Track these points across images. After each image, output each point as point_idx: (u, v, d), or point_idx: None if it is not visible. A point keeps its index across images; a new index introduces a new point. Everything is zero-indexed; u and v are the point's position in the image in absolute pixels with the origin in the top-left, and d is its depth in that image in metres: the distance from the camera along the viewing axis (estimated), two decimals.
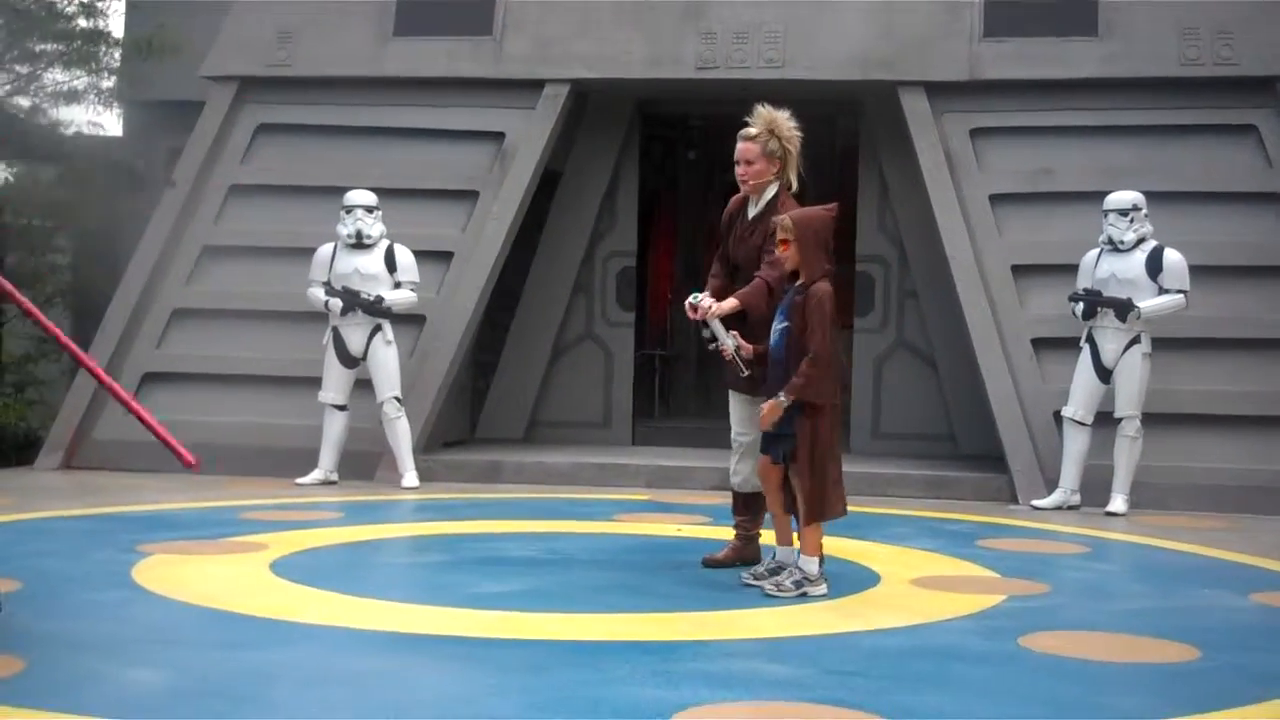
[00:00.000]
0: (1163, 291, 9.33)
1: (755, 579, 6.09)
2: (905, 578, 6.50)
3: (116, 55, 13.60)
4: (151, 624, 5.24)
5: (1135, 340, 9.31)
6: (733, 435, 6.59)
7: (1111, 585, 6.76)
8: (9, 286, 5.32)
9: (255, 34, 11.85)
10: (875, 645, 5.11)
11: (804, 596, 5.87)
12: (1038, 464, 9.91)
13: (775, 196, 6.45)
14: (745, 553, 6.62)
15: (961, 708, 4.22)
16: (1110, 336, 9.36)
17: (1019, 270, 10.57)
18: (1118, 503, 9.27)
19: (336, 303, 9.90)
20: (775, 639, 5.17)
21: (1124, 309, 9.27)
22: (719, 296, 6.38)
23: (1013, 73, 11.05)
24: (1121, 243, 9.40)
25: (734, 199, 6.70)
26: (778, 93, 11.71)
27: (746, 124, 6.49)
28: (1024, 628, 5.37)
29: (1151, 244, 9.45)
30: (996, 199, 10.86)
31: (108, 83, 13.59)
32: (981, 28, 11.15)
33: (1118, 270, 9.38)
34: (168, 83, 13.04)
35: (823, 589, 5.93)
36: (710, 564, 6.60)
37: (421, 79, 11.55)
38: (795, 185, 6.49)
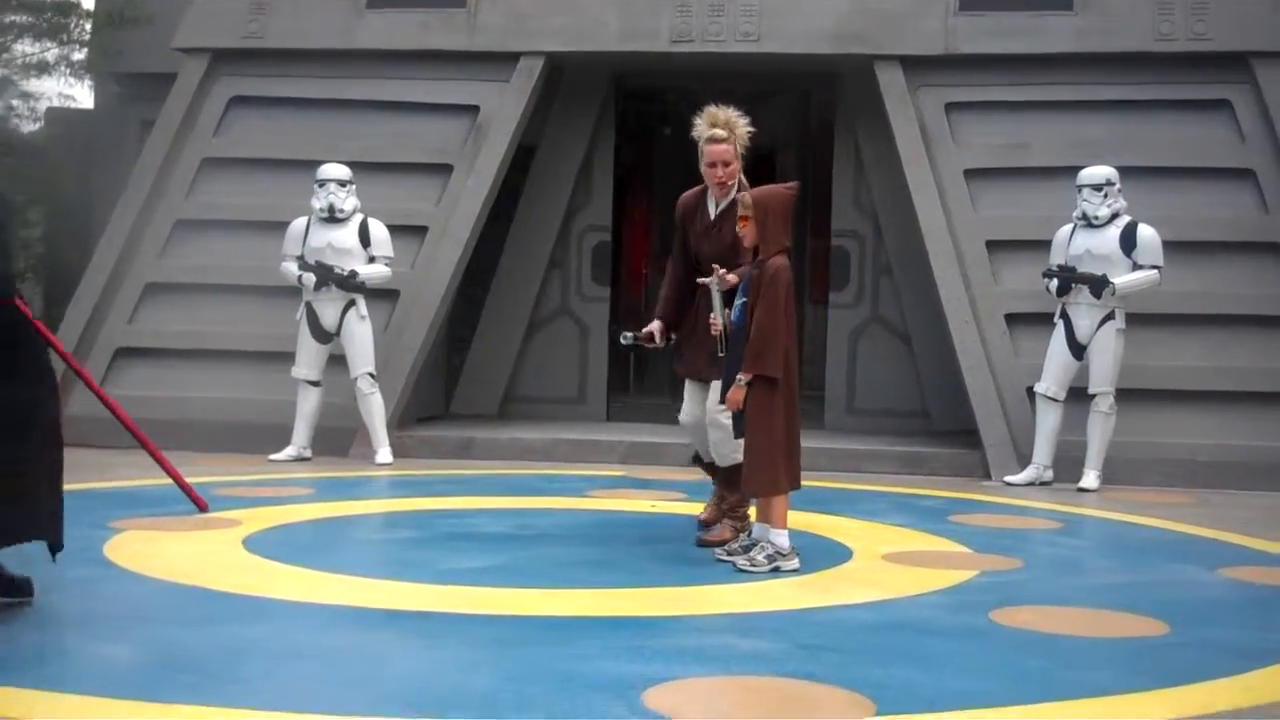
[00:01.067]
0: (1137, 267, 9.35)
1: (729, 554, 6.10)
2: (877, 553, 6.52)
3: (87, 27, 13.52)
4: (123, 600, 5.22)
5: (1109, 316, 9.34)
6: (681, 415, 6.76)
7: (1083, 560, 6.80)
8: (45, 331, 5.28)
9: (228, 5, 11.76)
10: (846, 620, 5.13)
11: (776, 571, 5.89)
12: (1011, 440, 9.94)
13: (736, 190, 6.50)
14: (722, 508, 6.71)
15: (933, 681, 4.24)
16: (1084, 313, 9.39)
17: (993, 245, 10.59)
18: (1090, 478, 9.31)
19: (310, 277, 9.86)
20: (747, 614, 5.18)
21: (1098, 285, 9.29)
22: (672, 308, 6.65)
23: (988, 47, 11.05)
24: (1095, 218, 9.41)
25: (688, 195, 6.77)
26: (753, 66, 11.80)
27: (716, 111, 6.57)
28: (995, 602, 5.40)
29: (1125, 219, 9.46)
30: (971, 174, 10.87)
31: (79, 55, 13.51)
32: (957, 2, 11.14)
33: (1092, 246, 9.40)
34: (140, 55, 12.96)
35: (795, 563, 5.95)
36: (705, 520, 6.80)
37: (395, 51, 11.48)
38: (745, 182, 6.57)
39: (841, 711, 3.91)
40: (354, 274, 9.86)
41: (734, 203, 6.41)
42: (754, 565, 5.93)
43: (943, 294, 10.45)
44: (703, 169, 6.62)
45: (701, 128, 6.57)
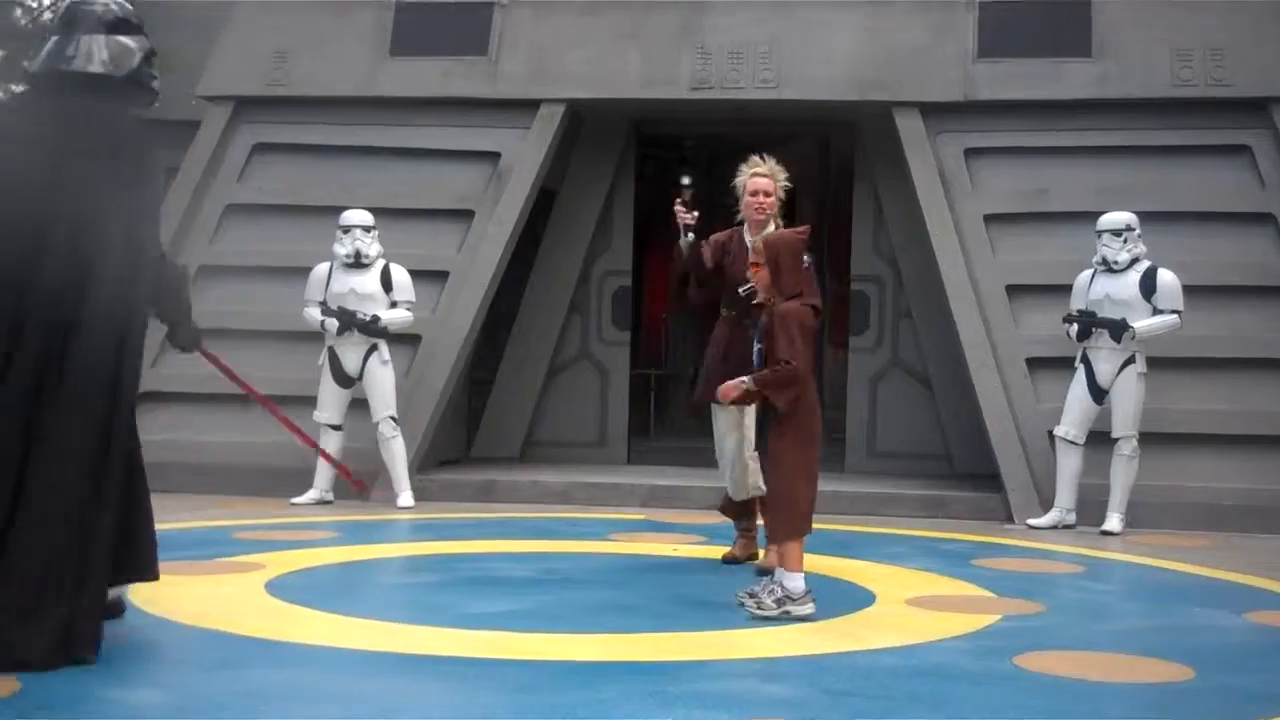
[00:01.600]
0: (1157, 312, 9.35)
1: (749, 596, 6.08)
2: (900, 597, 6.50)
3: None
4: (147, 644, 5.21)
5: (1130, 360, 9.33)
6: (716, 441, 7.18)
7: (1107, 605, 6.76)
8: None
9: (251, 53, 11.88)
10: (870, 665, 5.11)
11: (787, 615, 5.82)
12: (1033, 483, 9.91)
13: (770, 228, 6.94)
14: (752, 548, 7.16)
15: None
16: (1105, 357, 9.37)
17: (1013, 290, 10.60)
18: (1113, 522, 9.26)
19: (333, 323, 9.90)
20: (771, 659, 5.16)
21: (1118, 329, 9.28)
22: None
23: (1007, 93, 11.10)
24: (1115, 263, 9.42)
25: (722, 234, 7.35)
26: (773, 112, 11.85)
27: (759, 159, 7.20)
28: (1019, 647, 5.37)
29: (1145, 264, 9.46)
30: (991, 219, 10.90)
31: None
32: (976, 48, 11.20)
33: (1112, 291, 9.39)
34: (163, 102, 12.98)
35: (809, 608, 5.84)
36: (729, 560, 7.04)
37: (417, 99, 11.58)
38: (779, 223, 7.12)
39: None
40: (376, 319, 9.90)
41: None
42: (762, 609, 5.84)
43: (963, 338, 10.45)
44: (744, 202, 7.17)
45: (745, 169, 7.19)
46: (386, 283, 10.05)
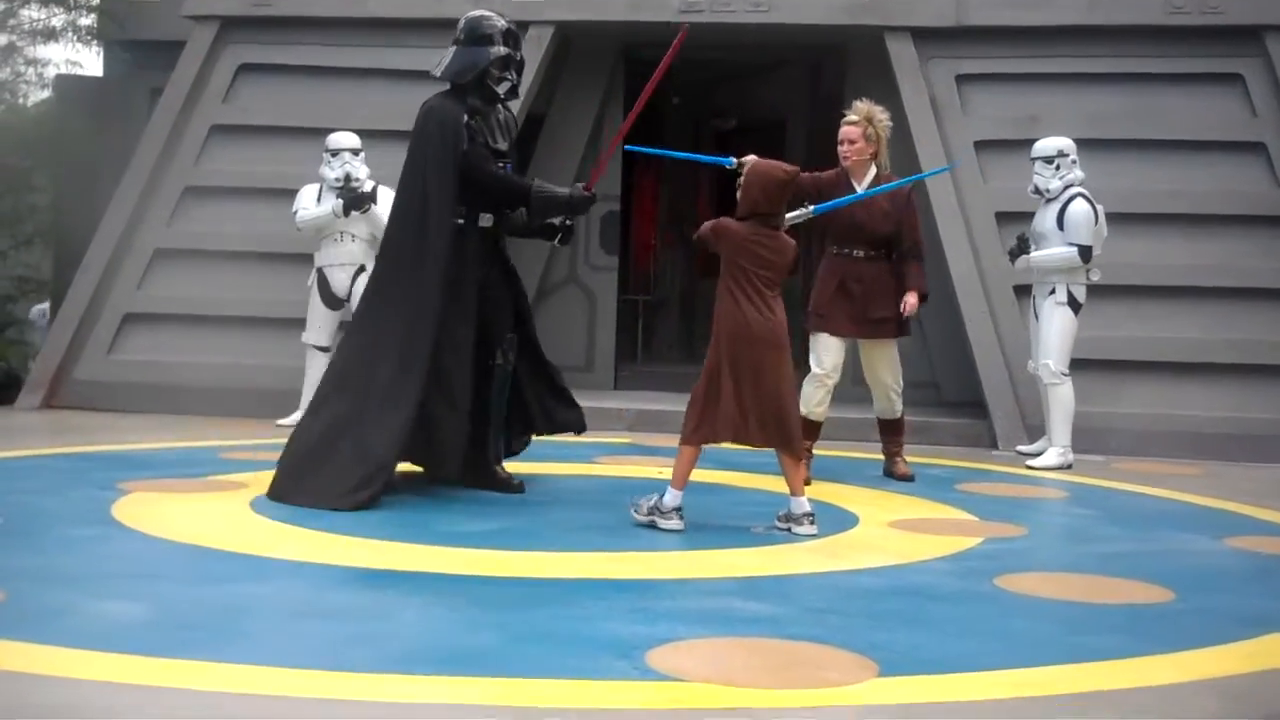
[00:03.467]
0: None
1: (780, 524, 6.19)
2: (883, 520, 6.53)
3: None
4: (130, 559, 5.23)
5: (1052, 290, 9.04)
6: (819, 372, 7.73)
7: (1088, 529, 6.79)
8: None
9: None
10: (852, 584, 5.14)
11: (653, 526, 6.06)
12: (1019, 411, 9.94)
13: (876, 175, 7.78)
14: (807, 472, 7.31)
15: (936, 644, 4.25)
16: (1037, 288, 9.21)
17: (1003, 217, 10.56)
18: (1047, 456, 8.94)
19: (338, 204, 9.83)
20: (752, 577, 5.19)
21: (1011, 256, 9.22)
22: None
23: (999, 19, 11.02)
24: (1047, 191, 9.08)
25: (828, 173, 7.92)
26: (763, 37, 11.75)
27: (859, 104, 7.94)
28: (1000, 569, 5.40)
29: (1071, 192, 9.03)
30: (981, 145, 10.85)
31: (86, 20, 13.45)
32: None
33: (1038, 222, 9.14)
34: (148, 22, 12.91)
35: (674, 524, 6.03)
36: None
37: (404, 19, 11.45)
38: (885, 165, 7.90)
39: (845, 672, 3.92)
40: (375, 190, 9.87)
41: (879, 180, 7.74)
42: (638, 512, 6.15)
43: (951, 266, 10.44)
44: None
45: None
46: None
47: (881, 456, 8.16)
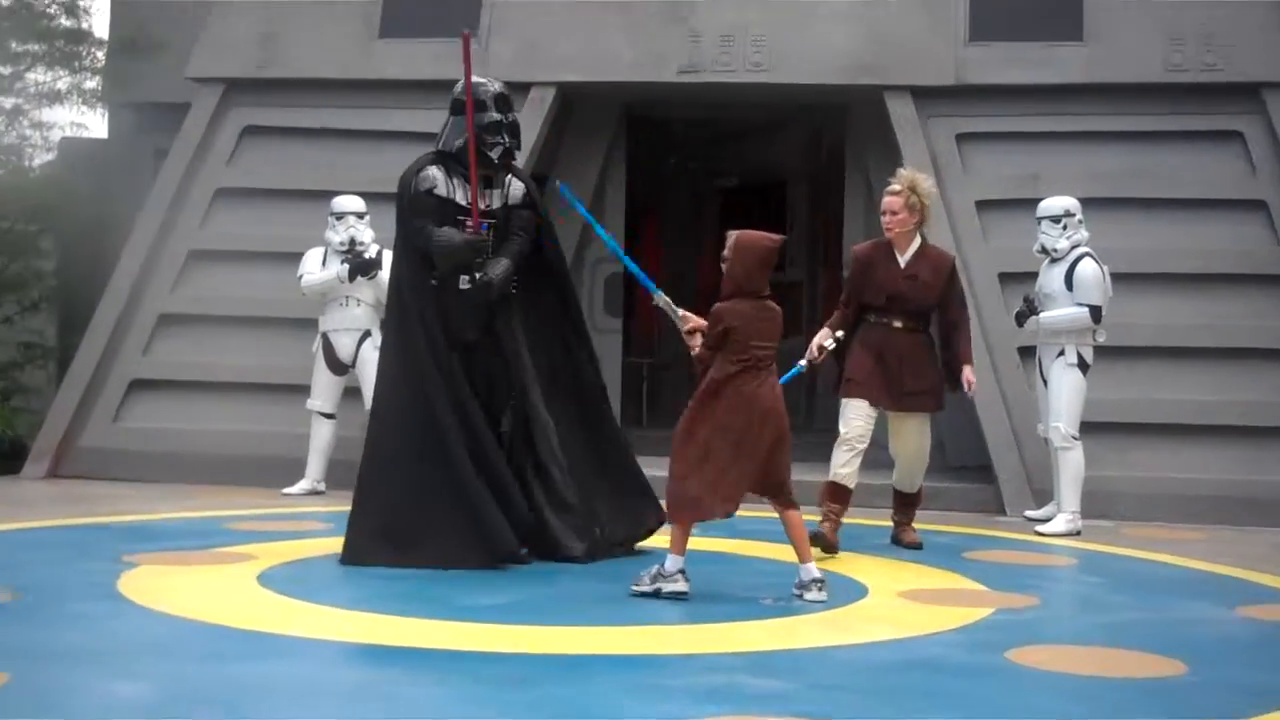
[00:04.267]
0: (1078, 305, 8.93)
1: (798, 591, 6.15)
2: (893, 590, 6.49)
3: (100, 55, 13.55)
4: (138, 636, 5.21)
5: (1061, 352, 9.00)
6: (848, 436, 7.56)
7: (1099, 598, 6.76)
8: None
9: (239, 35, 11.82)
10: (862, 659, 5.11)
11: (659, 592, 6.03)
12: (1025, 474, 9.90)
13: (921, 244, 7.70)
14: (835, 537, 7.46)
15: None
16: (1044, 349, 9.17)
17: (1005, 277, 10.56)
18: (1056, 522, 8.86)
19: (344, 269, 9.85)
20: (762, 652, 5.16)
21: (1019, 319, 9.19)
22: (842, 327, 7.72)
23: (999, 77, 11.07)
24: (1055, 250, 9.03)
25: (864, 246, 7.96)
26: (763, 97, 11.81)
27: (903, 172, 7.87)
28: (1012, 641, 5.36)
29: (1078, 253, 8.98)
30: (983, 205, 10.88)
31: (91, 83, 13.53)
32: (967, 32, 11.17)
33: (1044, 281, 9.10)
34: (153, 84, 12.98)
35: (680, 585, 6.02)
36: (815, 538, 7.01)
37: (407, 81, 11.49)
38: (930, 235, 7.89)
39: None
40: (380, 255, 9.86)
41: (919, 251, 7.67)
42: (639, 585, 6.09)
43: None
44: None
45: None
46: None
47: (889, 524, 8.11)
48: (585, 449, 7.36)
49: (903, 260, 7.66)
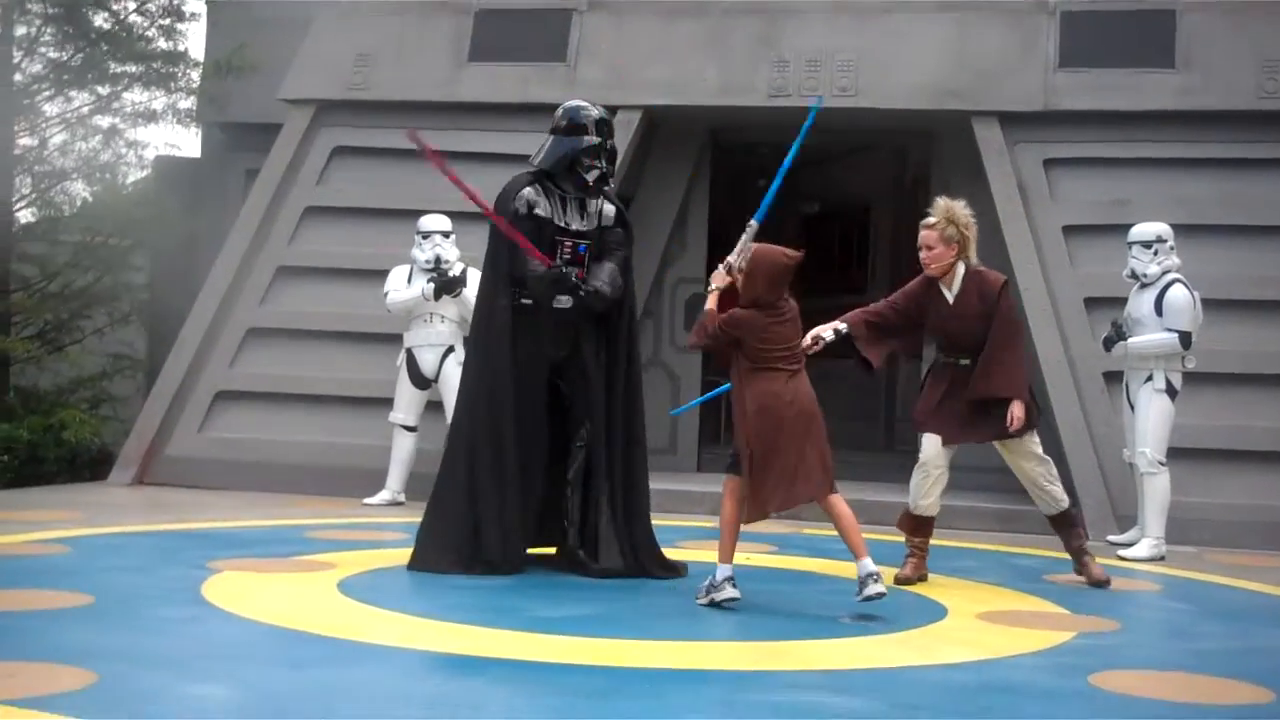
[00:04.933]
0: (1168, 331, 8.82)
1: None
2: (973, 612, 6.43)
3: (195, 76, 13.82)
4: (220, 641, 5.27)
5: (1149, 377, 8.90)
6: (924, 460, 7.35)
7: (1184, 624, 6.66)
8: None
9: (333, 57, 12.00)
10: (942, 679, 5.06)
11: (713, 603, 6.15)
12: (1109, 499, 9.79)
13: (966, 274, 7.25)
14: (922, 569, 7.28)
15: None
16: (1131, 374, 9.07)
17: (1091, 303, 10.47)
18: (1140, 548, 8.76)
19: (430, 288, 9.94)
20: (841, 670, 5.13)
21: (1107, 344, 9.06)
22: (861, 325, 7.28)
23: (1088, 103, 11.00)
24: (1145, 276, 8.95)
25: (915, 282, 7.46)
26: (850, 122, 11.79)
27: (929, 215, 7.35)
28: (1094, 665, 5.29)
29: (1168, 279, 8.90)
30: (1070, 230, 10.79)
31: (186, 103, 13.80)
32: (1057, 58, 11.11)
33: (1133, 307, 9.02)
34: (246, 105, 13.23)
35: (730, 593, 6.13)
36: (901, 581, 6.97)
37: (496, 104, 11.64)
38: (975, 261, 7.32)
39: None
40: (464, 273, 9.97)
41: (966, 282, 7.24)
42: (699, 598, 6.24)
43: (1039, 351, 10.34)
44: None
45: None
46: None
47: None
48: (627, 483, 7.39)
49: (950, 295, 7.28)
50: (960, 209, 7.28)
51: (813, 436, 6.18)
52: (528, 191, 7.30)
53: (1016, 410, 7.09)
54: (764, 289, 6.20)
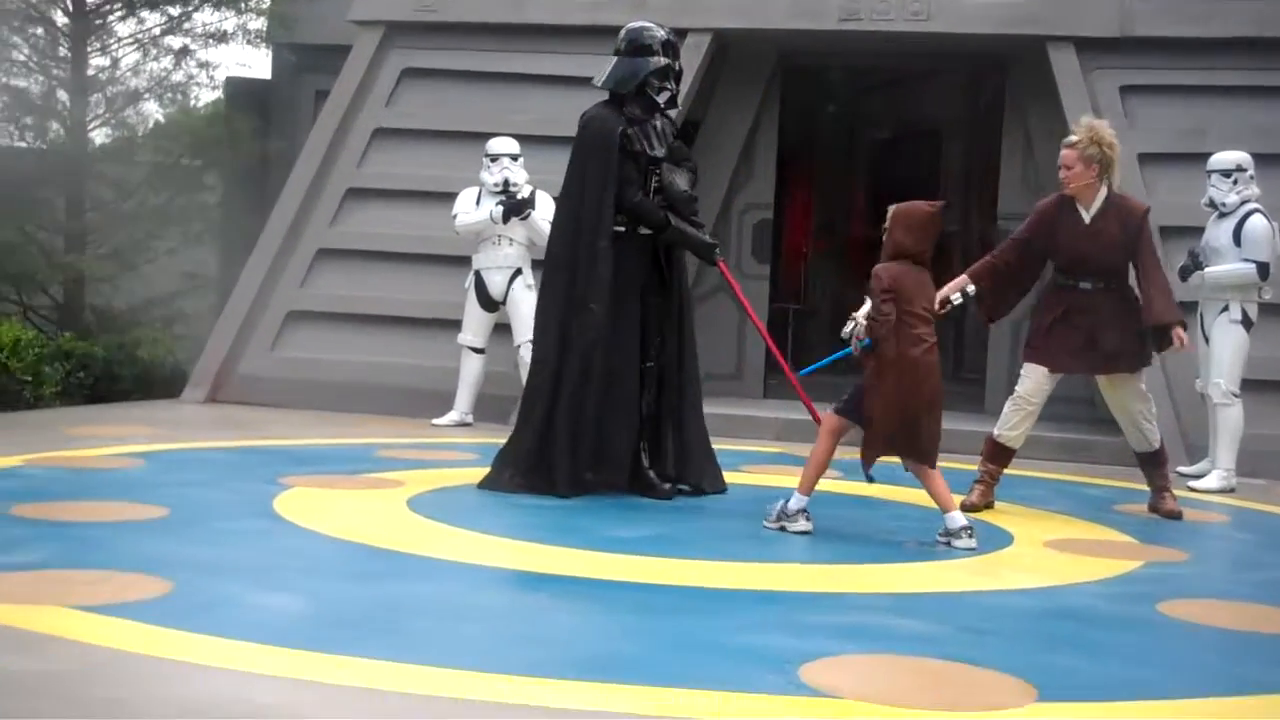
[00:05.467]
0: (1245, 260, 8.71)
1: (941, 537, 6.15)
2: (1039, 539, 6.42)
3: None
4: (291, 553, 5.35)
5: (1225, 308, 8.80)
6: (1021, 395, 7.27)
7: (1252, 555, 6.61)
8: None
9: None
10: (1008, 605, 5.06)
11: (783, 530, 6.21)
12: (1180, 430, 9.70)
13: (1108, 197, 7.14)
14: (990, 496, 7.28)
15: (1097, 669, 4.17)
16: (1207, 305, 8.96)
17: (1166, 231, 10.30)
18: (1211, 479, 8.69)
19: (498, 210, 9.96)
20: (906, 594, 5.14)
21: (1184, 273, 8.92)
22: (986, 277, 7.27)
23: (1166, 30, 10.79)
24: (1223, 205, 8.81)
25: (1046, 201, 7.41)
26: (922, 47, 11.64)
27: (1073, 134, 7.26)
28: (1161, 594, 5.27)
29: (1247, 208, 8.76)
30: (1145, 158, 10.62)
31: (256, 24, 13.83)
32: None
33: (1211, 236, 8.88)
34: (315, 26, 13.24)
35: (802, 525, 6.19)
36: (967, 508, 6.79)
37: (564, 26, 11.57)
38: (1117, 184, 7.23)
39: (1003, 695, 3.86)
40: (533, 195, 10.00)
41: (1105, 205, 7.12)
42: (767, 521, 6.29)
43: None
44: None
45: None
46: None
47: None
48: (694, 402, 7.52)
49: (1087, 215, 7.13)
50: (1105, 128, 7.17)
51: (935, 414, 6.12)
52: (632, 132, 7.18)
53: (1183, 334, 7.05)
54: (909, 241, 6.06)
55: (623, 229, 7.16)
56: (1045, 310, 7.31)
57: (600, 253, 7.09)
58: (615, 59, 7.35)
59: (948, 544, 6.04)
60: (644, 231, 7.20)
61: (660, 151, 7.27)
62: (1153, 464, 7.40)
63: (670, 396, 7.34)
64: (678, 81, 7.40)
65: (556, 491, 6.97)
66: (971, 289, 7.20)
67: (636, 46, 7.29)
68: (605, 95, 7.41)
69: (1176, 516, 7.27)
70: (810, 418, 7.10)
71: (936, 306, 6.48)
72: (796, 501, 6.22)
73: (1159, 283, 7.08)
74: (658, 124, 7.35)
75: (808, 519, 6.20)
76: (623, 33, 7.40)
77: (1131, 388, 7.24)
